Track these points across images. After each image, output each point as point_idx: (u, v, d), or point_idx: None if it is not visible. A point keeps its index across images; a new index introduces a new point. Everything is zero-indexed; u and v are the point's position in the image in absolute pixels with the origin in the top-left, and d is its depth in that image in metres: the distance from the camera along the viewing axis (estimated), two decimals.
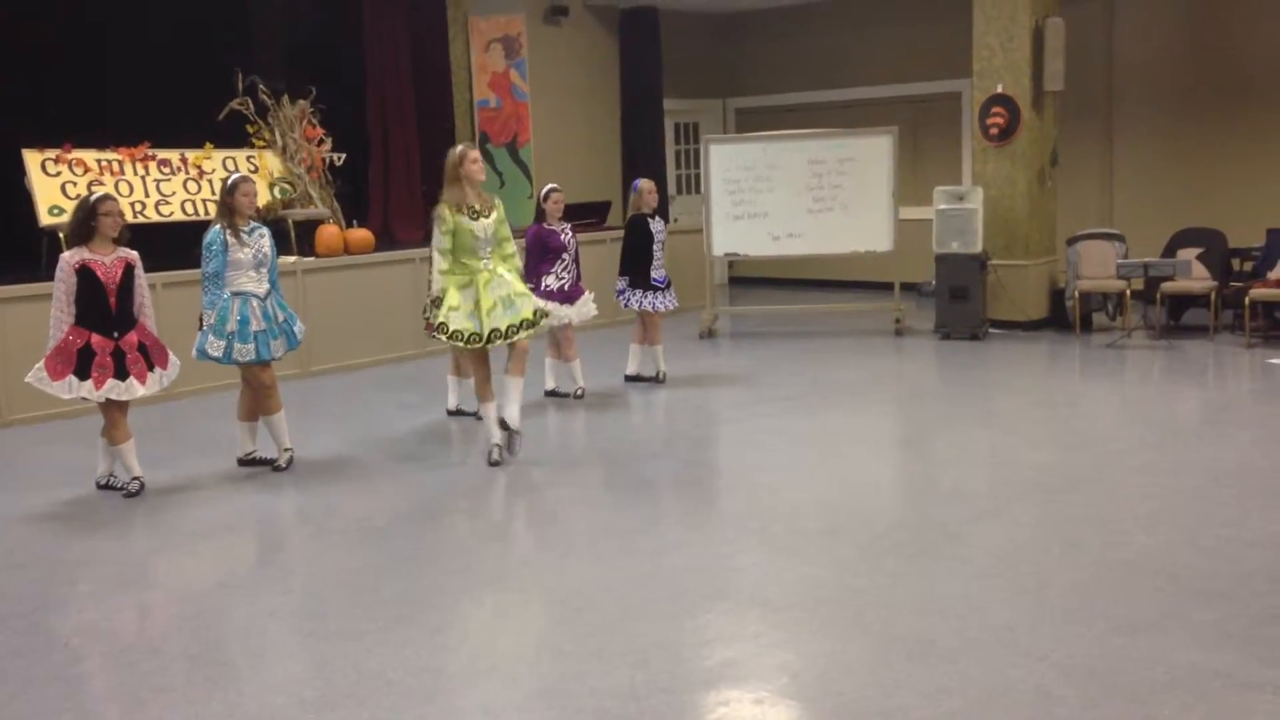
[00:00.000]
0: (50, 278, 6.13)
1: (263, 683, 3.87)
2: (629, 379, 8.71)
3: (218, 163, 9.91)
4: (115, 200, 6.15)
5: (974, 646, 3.90)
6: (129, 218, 7.26)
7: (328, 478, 6.42)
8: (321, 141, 10.34)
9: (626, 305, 8.57)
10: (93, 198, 6.06)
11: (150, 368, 6.15)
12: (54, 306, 5.93)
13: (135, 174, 9.46)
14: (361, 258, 9.98)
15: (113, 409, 6.06)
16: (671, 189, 14.53)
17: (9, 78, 9.28)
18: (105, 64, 9.76)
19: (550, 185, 8.17)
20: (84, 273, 5.89)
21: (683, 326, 11.00)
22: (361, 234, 10.16)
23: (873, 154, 10.71)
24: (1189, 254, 9.96)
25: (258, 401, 6.51)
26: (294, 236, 9.83)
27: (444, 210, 6.35)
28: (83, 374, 5.90)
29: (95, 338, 5.94)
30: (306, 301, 9.15)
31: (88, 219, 5.95)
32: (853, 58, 13.84)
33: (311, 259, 9.67)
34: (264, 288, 6.37)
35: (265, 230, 6.47)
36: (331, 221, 10.12)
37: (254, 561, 5.39)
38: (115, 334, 6.00)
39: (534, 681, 3.78)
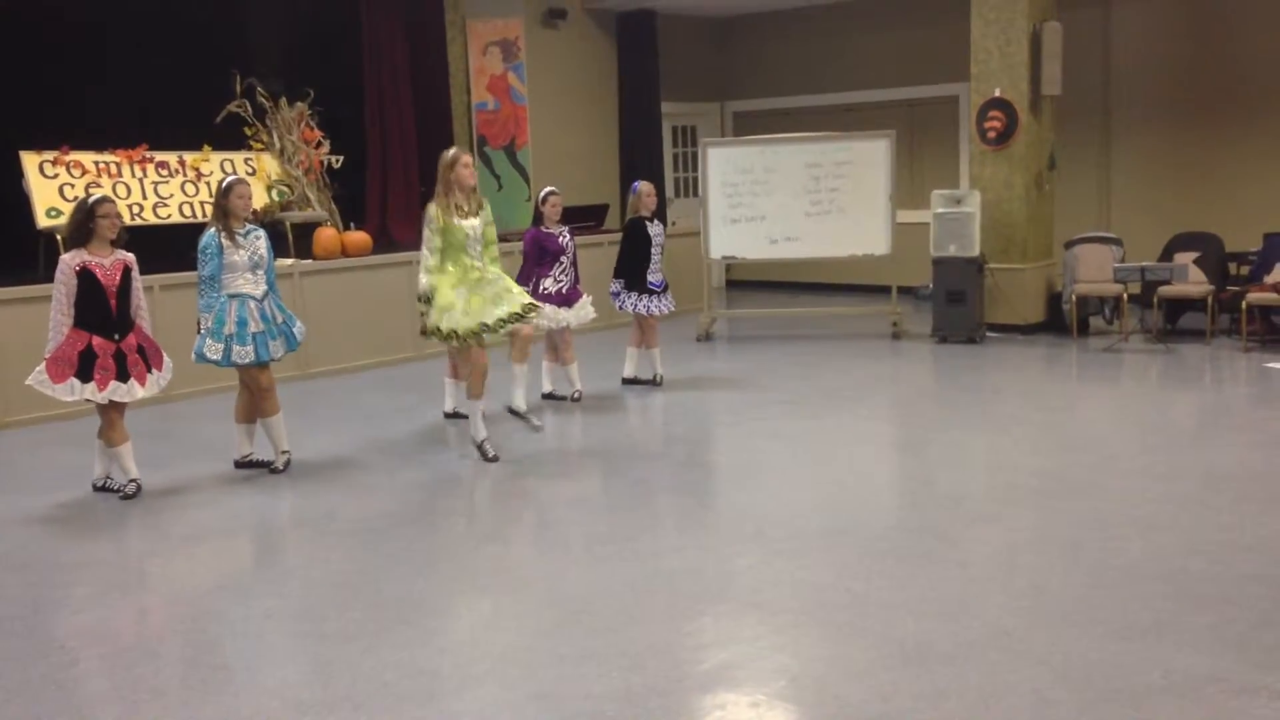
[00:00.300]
0: (48, 280, 6.13)
1: (259, 685, 3.87)
2: (626, 382, 8.71)
3: (215, 165, 9.91)
4: (113, 202, 6.15)
5: (971, 650, 3.90)
6: (127, 220, 7.26)
7: (325, 480, 6.42)
8: (319, 144, 10.34)
9: (621, 308, 8.58)
10: (91, 200, 6.06)
11: (149, 369, 6.15)
12: (53, 308, 5.93)
13: (133, 176, 9.46)
14: (359, 260, 9.98)
15: (111, 411, 6.06)
16: (669, 192, 14.54)
17: (7, 79, 9.28)
18: (104, 66, 9.77)
19: (548, 188, 8.17)
20: (84, 275, 5.89)
21: (680, 329, 11.00)
22: (359, 236, 10.16)
23: (870, 157, 10.72)
24: (1186, 258, 9.96)
25: (255, 403, 6.51)
26: (291, 239, 9.83)
27: (434, 210, 6.49)
28: (85, 376, 5.90)
29: (96, 340, 5.94)
30: (304, 304, 9.14)
31: (86, 221, 5.95)
32: (850, 61, 13.86)
33: (309, 261, 9.67)
34: (261, 289, 6.37)
35: (261, 232, 6.47)
36: (329, 224, 10.12)
37: (251, 564, 5.39)
38: (116, 336, 6.00)
39: (531, 684, 3.78)
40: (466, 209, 6.54)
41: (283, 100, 10.20)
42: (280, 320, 6.48)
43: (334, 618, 4.42)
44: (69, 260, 5.92)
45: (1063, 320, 10.38)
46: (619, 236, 8.85)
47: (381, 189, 11.60)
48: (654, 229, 8.54)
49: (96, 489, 6.30)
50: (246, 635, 4.34)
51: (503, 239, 10.74)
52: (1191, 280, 9.82)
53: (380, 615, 4.41)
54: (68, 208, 7.44)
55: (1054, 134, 10.77)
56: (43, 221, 8.78)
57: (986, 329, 10.41)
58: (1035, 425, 7.26)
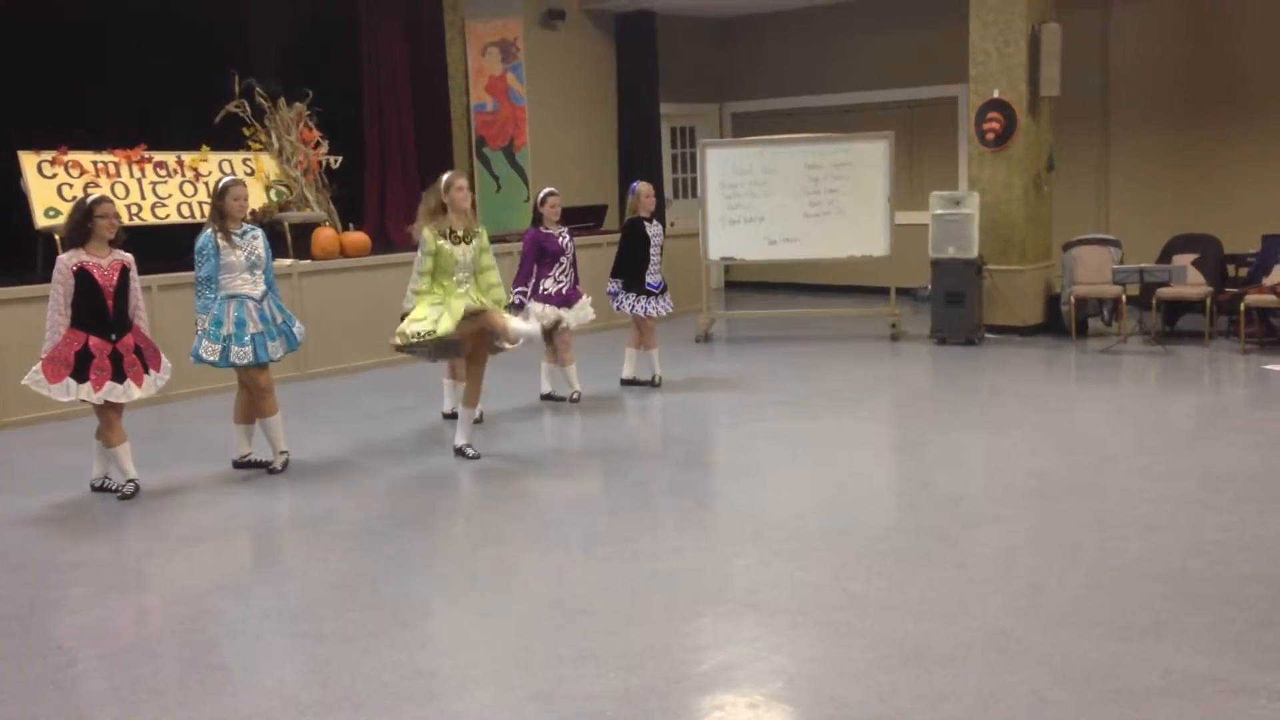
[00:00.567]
0: (46, 280, 6.12)
1: (257, 686, 3.86)
2: (625, 383, 8.71)
3: (214, 165, 9.91)
4: (111, 202, 6.14)
5: (970, 651, 3.90)
6: (125, 220, 7.25)
7: (323, 481, 6.41)
8: (318, 144, 10.33)
9: (619, 308, 8.57)
10: (89, 200, 6.06)
11: (146, 370, 6.14)
12: (51, 308, 5.92)
13: (131, 176, 9.45)
14: (357, 260, 9.98)
15: (108, 411, 6.05)
16: (668, 193, 14.53)
17: (5, 79, 9.27)
18: (103, 66, 9.77)
19: (548, 189, 8.17)
20: (82, 275, 5.88)
21: (679, 330, 11.00)
22: (357, 237, 10.16)
23: (869, 159, 10.72)
24: (1184, 260, 9.97)
25: (254, 404, 6.50)
26: (290, 239, 9.82)
27: (427, 233, 6.53)
28: (81, 376, 5.90)
29: (93, 340, 5.93)
30: (303, 304, 9.13)
31: (84, 221, 5.94)
32: (849, 62, 13.86)
33: (308, 262, 9.67)
34: (260, 290, 6.36)
35: (259, 232, 6.47)
36: (328, 224, 10.12)
37: (249, 564, 5.38)
38: (113, 336, 5.99)
39: (529, 685, 3.78)
40: (461, 234, 6.56)
41: (281, 101, 10.20)
42: (280, 320, 6.47)
43: (332, 618, 4.42)
44: (66, 260, 5.91)
45: (1061, 322, 10.38)
46: (618, 237, 8.85)
47: (380, 190, 11.60)
48: (653, 229, 8.54)
49: (94, 489, 6.29)
50: (245, 635, 4.34)
51: (503, 239, 10.82)
52: (1190, 282, 9.82)
53: (379, 616, 4.41)
54: (66, 208, 7.44)
55: (1053, 135, 10.77)
56: (41, 221, 8.77)
57: (985, 330, 10.41)
58: (1034, 426, 7.26)
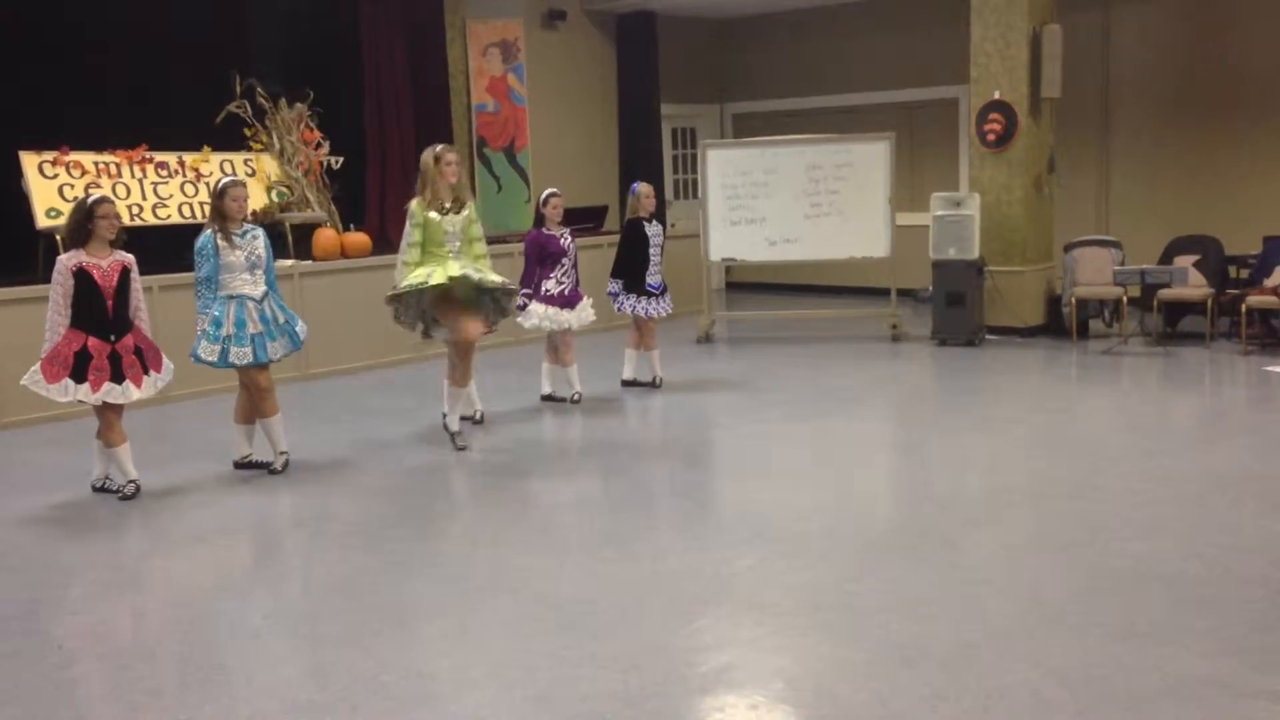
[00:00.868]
0: (47, 280, 6.13)
1: (257, 687, 3.86)
2: (625, 384, 8.71)
3: (215, 166, 9.91)
4: (112, 203, 6.14)
5: (970, 652, 3.90)
6: (126, 220, 7.25)
7: (323, 481, 6.41)
8: (319, 145, 10.34)
9: (620, 309, 8.57)
10: (90, 200, 6.06)
11: (145, 371, 6.14)
12: (50, 309, 5.92)
13: (132, 176, 9.46)
14: (358, 261, 9.98)
15: (108, 412, 6.05)
16: (669, 194, 14.54)
17: (6, 79, 9.27)
18: (103, 66, 9.76)
19: (550, 190, 8.17)
20: (81, 275, 5.89)
21: (679, 331, 11.00)
22: (358, 237, 10.16)
23: (870, 160, 10.72)
24: (1185, 261, 9.97)
25: (255, 404, 6.50)
26: (291, 240, 9.83)
27: (414, 205, 6.61)
28: (79, 377, 5.90)
29: (92, 341, 5.93)
30: (303, 305, 9.13)
31: (85, 221, 5.94)
32: (850, 63, 13.86)
33: (308, 262, 9.67)
34: (260, 290, 6.36)
35: (259, 231, 6.46)
36: (328, 225, 10.12)
37: (249, 565, 5.38)
38: (112, 337, 5.99)
39: (529, 686, 3.77)
40: (448, 206, 6.59)
41: (282, 101, 10.20)
42: (281, 320, 6.47)
43: (332, 619, 4.42)
44: (66, 261, 5.91)
45: (1062, 323, 10.38)
46: (618, 238, 8.85)
47: (381, 190, 11.60)
48: (652, 230, 8.54)
49: (95, 490, 6.29)
50: (244, 636, 4.34)
51: (503, 240, 10.82)
52: (1191, 283, 9.82)
53: (378, 617, 4.41)
54: (67, 208, 7.44)
55: (1054, 137, 10.77)
56: (42, 222, 8.78)
57: (986, 331, 10.41)
58: (1034, 428, 7.26)
